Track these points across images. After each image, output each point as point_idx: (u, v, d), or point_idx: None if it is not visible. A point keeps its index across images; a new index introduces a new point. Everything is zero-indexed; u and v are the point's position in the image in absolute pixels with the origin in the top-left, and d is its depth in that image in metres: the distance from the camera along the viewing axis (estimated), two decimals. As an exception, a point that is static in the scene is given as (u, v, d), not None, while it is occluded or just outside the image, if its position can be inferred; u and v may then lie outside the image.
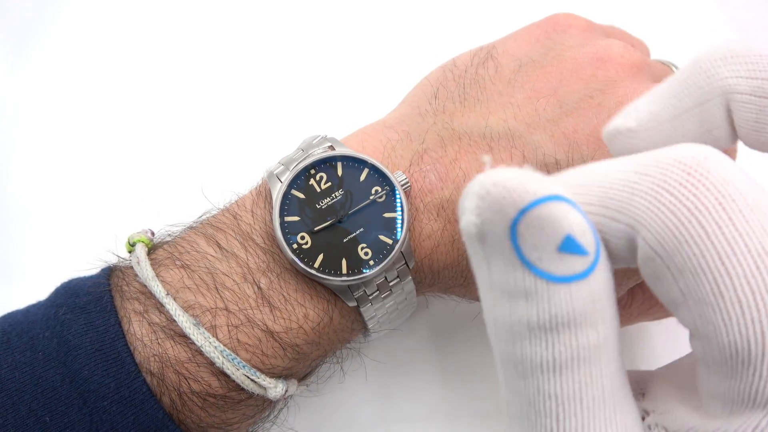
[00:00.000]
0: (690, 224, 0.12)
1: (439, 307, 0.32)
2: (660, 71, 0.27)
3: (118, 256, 0.25)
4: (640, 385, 0.16)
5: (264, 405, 0.24)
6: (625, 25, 0.34)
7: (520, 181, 0.12)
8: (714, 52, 0.15)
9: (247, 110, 0.37)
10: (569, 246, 0.12)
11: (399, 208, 0.22)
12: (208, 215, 0.24)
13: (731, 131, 0.16)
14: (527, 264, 0.12)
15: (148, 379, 0.21)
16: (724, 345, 0.12)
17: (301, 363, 0.23)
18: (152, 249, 0.24)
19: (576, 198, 0.13)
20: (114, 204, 0.34)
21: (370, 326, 0.24)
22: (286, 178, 0.22)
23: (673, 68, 0.28)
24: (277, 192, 0.22)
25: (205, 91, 0.37)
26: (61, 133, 0.36)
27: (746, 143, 0.16)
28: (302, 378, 0.25)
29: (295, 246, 0.22)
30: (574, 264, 0.12)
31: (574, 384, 0.13)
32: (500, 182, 0.12)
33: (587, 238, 0.12)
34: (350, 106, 0.34)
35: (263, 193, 0.24)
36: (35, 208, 0.34)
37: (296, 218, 0.22)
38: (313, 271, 0.22)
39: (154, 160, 0.35)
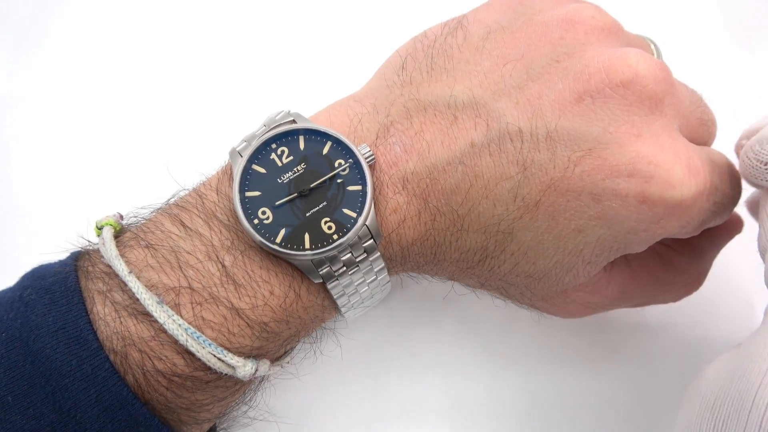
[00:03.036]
0: None
1: (413, 286, 0.31)
2: (635, 40, 0.26)
3: (88, 241, 0.25)
4: None
5: (236, 386, 0.23)
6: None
7: None
8: None
9: (218, 94, 0.37)
10: None
11: (363, 182, 0.22)
12: (176, 197, 0.24)
13: None
14: None
15: (111, 357, 0.21)
16: None
17: (272, 342, 0.23)
18: (121, 232, 0.24)
19: None
20: (100, 194, 0.35)
21: (340, 304, 0.24)
22: (247, 152, 0.22)
23: (651, 44, 0.27)
24: (238, 167, 0.22)
25: (181, 78, 0.37)
26: (56, 130, 0.36)
27: None
28: (276, 359, 0.25)
29: (256, 221, 0.21)
30: None
31: None
32: None
33: None
34: (323, 84, 0.34)
35: (228, 171, 0.24)
36: (35, 206, 0.35)
37: (257, 193, 0.22)
38: (275, 246, 0.21)
39: (141, 149, 0.36)
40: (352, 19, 0.39)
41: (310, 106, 0.28)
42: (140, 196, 0.34)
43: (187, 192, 0.24)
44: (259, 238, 0.21)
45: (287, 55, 0.38)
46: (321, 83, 0.36)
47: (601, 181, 0.21)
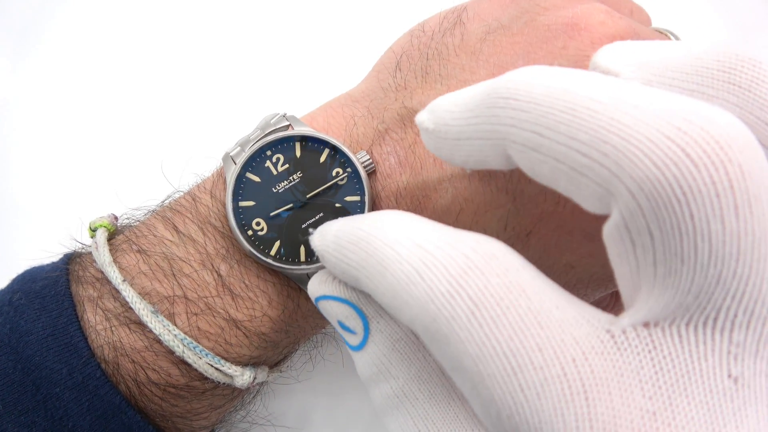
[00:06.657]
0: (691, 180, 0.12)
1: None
2: None
3: (81, 243, 0.24)
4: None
5: (233, 394, 0.23)
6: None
7: (314, 284, 0.18)
8: (503, 90, 0.15)
9: (214, 92, 0.36)
10: (344, 327, 0.17)
11: (361, 192, 0.21)
12: (170, 199, 0.24)
13: (504, 164, 0.16)
14: (343, 338, 0.18)
15: (103, 366, 0.20)
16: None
17: (271, 351, 0.23)
18: (114, 233, 0.23)
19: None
20: (96, 194, 0.34)
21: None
22: (240, 159, 0.21)
23: (672, 38, 0.25)
24: (231, 175, 0.21)
25: (177, 76, 0.36)
26: (51, 130, 0.36)
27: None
28: (274, 365, 0.24)
29: (250, 233, 0.21)
30: (355, 339, 0.17)
31: (399, 424, 0.16)
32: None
33: (351, 323, 0.17)
34: (319, 79, 0.33)
35: (223, 174, 0.23)
36: (33, 205, 0.34)
37: (251, 203, 0.21)
38: (268, 260, 0.21)
39: (137, 148, 0.35)
40: (347, 12, 0.37)
41: (306, 100, 0.27)
42: (137, 196, 0.34)
43: (181, 194, 0.23)
44: (252, 250, 0.21)
45: (281, 50, 0.36)
46: (316, 76, 0.35)
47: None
